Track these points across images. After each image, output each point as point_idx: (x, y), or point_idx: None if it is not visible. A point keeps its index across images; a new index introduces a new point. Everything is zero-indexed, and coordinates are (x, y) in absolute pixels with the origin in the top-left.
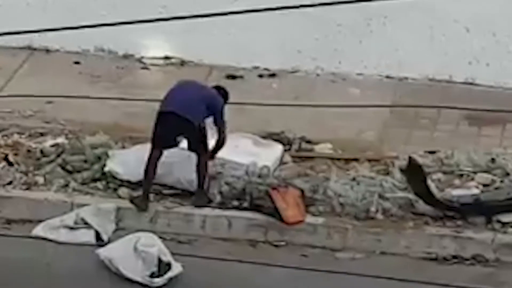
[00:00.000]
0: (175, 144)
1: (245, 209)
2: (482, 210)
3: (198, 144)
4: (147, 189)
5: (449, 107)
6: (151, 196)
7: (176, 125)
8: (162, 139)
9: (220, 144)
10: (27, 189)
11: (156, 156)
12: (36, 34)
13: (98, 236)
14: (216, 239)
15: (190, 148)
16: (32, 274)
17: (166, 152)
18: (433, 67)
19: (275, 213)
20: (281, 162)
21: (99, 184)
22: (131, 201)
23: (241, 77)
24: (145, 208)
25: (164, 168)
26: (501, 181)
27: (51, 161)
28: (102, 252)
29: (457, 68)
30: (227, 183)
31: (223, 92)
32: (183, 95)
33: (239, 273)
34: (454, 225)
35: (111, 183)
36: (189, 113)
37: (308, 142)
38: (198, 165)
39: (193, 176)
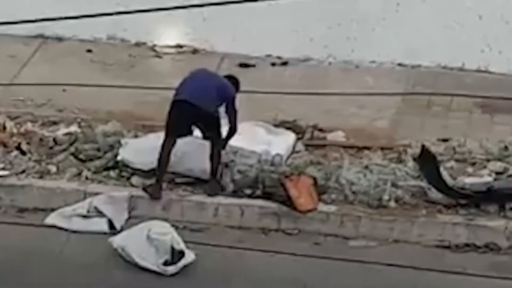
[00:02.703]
0: (189, 132)
1: (257, 197)
2: (495, 198)
3: (212, 133)
4: (160, 177)
5: (462, 95)
6: (164, 184)
7: (189, 113)
8: (176, 128)
9: (231, 132)
10: (40, 177)
11: (170, 144)
12: (48, 23)
13: (111, 224)
14: (228, 227)
15: (204, 136)
16: (45, 262)
17: (179, 141)
18: (446, 55)
19: (287, 201)
20: (294, 151)
21: (112, 173)
22: (144, 190)
23: (253, 65)
24: (158, 197)
25: (177, 156)
26: None
27: (64, 150)
28: (115, 240)
29: (470, 56)
30: (239, 172)
31: (234, 81)
32: (196, 84)
33: (251, 261)
34: (467, 213)
35: (124, 171)
36: (203, 102)
37: (321, 130)
38: (212, 154)
39: (206, 165)
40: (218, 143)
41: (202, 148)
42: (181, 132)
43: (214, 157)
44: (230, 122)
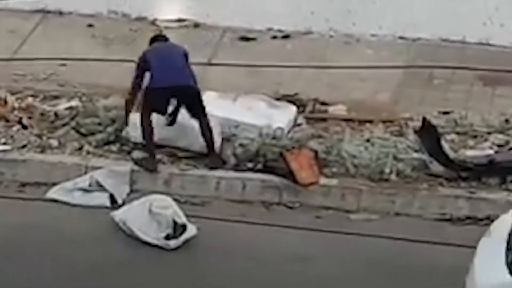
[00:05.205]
0: (166, 110)
1: (259, 171)
2: (496, 171)
3: (198, 108)
4: (151, 149)
5: (463, 68)
6: (165, 158)
7: (168, 94)
8: (154, 106)
9: None
10: (41, 152)
11: (147, 116)
12: None
13: (112, 198)
14: (230, 201)
15: (192, 115)
16: (46, 236)
17: (179, 116)
18: (447, 28)
19: (289, 174)
20: (295, 124)
21: (113, 147)
22: (139, 164)
23: (255, 39)
24: (154, 168)
25: (177, 131)
26: None
27: (65, 124)
28: (117, 214)
29: (471, 28)
30: (241, 145)
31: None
32: (170, 63)
33: (253, 235)
34: (468, 186)
35: (125, 145)
36: (179, 79)
37: (322, 103)
38: (201, 129)
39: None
40: (205, 117)
41: None
42: (159, 109)
43: (205, 131)
44: None
